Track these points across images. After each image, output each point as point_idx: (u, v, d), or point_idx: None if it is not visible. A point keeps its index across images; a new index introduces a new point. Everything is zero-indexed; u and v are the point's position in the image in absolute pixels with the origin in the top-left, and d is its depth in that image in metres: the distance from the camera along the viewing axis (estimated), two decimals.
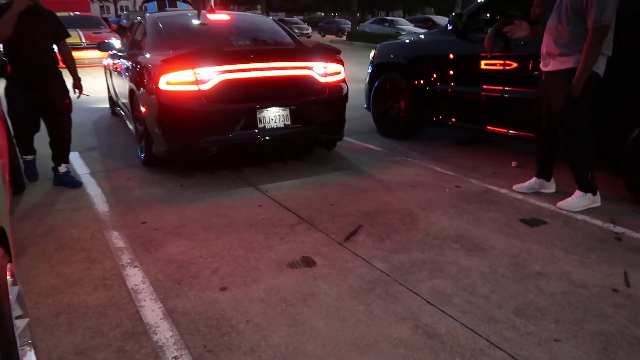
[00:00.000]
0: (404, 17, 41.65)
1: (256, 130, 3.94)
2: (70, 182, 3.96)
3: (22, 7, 3.42)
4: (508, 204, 3.58)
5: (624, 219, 3.26)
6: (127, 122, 5.36)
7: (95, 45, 12.10)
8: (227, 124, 3.86)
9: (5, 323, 1.11)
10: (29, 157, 4.06)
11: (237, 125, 3.89)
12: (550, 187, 3.77)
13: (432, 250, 2.86)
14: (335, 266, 2.68)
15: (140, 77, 4.19)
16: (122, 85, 5.25)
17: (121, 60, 5.34)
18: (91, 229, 3.18)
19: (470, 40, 4.53)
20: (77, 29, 12.37)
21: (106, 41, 6.37)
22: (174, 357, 1.94)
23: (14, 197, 3.61)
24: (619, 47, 3.20)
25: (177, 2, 18.66)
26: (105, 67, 6.82)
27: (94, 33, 12.43)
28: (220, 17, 5.06)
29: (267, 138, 3.98)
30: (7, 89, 3.73)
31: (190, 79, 3.73)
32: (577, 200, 3.42)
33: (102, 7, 55.98)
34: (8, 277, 1.30)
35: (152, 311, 2.26)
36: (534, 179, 3.80)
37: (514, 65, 4.17)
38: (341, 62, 4.40)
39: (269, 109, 3.95)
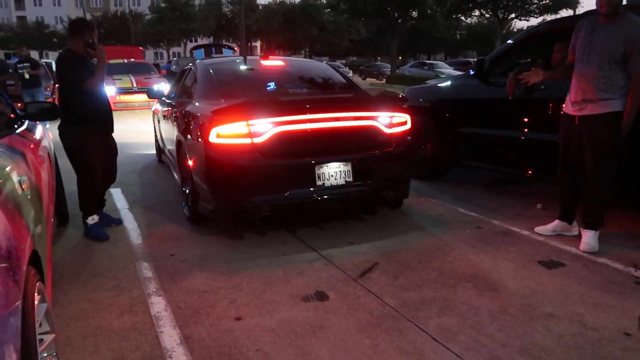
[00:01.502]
0: (445, 60, 42.12)
1: (314, 189, 3.51)
2: (100, 234, 3.87)
3: (107, 60, 3.79)
4: (528, 246, 3.58)
5: None
6: (174, 173, 5.08)
7: (144, 90, 13.02)
8: (282, 182, 3.47)
9: (29, 333, 1.28)
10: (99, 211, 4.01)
11: (293, 183, 3.50)
12: (573, 230, 3.74)
13: (444, 289, 2.90)
14: (347, 301, 2.77)
15: (189, 127, 3.96)
16: (169, 134, 5.05)
17: (169, 107, 5.15)
18: (124, 260, 3.42)
19: (492, 84, 4.64)
20: (130, 74, 13.31)
21: (154, 88, 6.00)
22: None
23: (57, 228, 3.92)
24: None
25: (223, 49, 19.73)
26: (154, 113, 6.60)
27: (144, 78, 13.30)
28: (275, 62, 4.85)
29: (326, 197, 3.55)
30: (73, 135, 3.69)
31: (243, 132, 3.39)
32: (594, 240, 3.41)
33: (156, 54, 59.64)
34: (36, 294, 1.49)
35: (170, 337, 2.42)
36: (557, 221, 3.79)
37: (534, 109, 4.24)
38: (408, 112, 3.98)
39: (328, 164, 3.52)
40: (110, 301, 2.81)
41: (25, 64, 9.69)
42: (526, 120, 4.33)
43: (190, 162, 3.84)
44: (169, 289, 2.95)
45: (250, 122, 3.40)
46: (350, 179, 3.61)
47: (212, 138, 3.43)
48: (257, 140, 3.40)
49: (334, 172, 3.56)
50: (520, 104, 4.30)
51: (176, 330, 2.48)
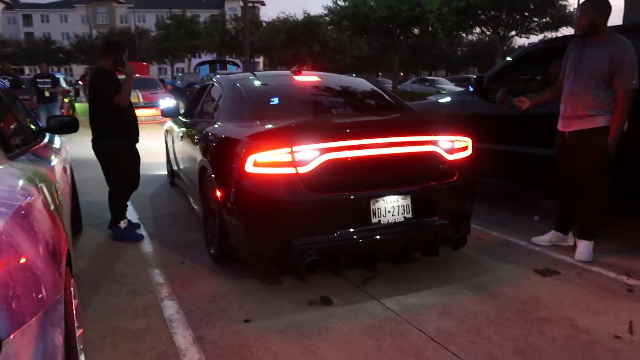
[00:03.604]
0: (446, 76, 42.52)
1: (369, 227, 2.98)
2: (135, 235, 4.21)
3: (133, 76, 4.07)
4: (525, 256, 3.72)
5: (639, 272, 3.34)
6: (191, 201, 4.67)
7: (151, 104, 13.28)
8: (332, 219, 2.94)
9: (69, 321, 1.43)
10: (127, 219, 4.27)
11: (345, 221, 2.96)
12: (569, 241, 3.88)
13: (444, 296, 3.04)
14: (351, 306, 2.91)
15: (217, 152, 3.44)
16: (188, 158, 4.51)
17: (189, 127, 4.61)
18: (137, 266, 3.57)
19: (491, 100, 4.81)
20: (137, 90, 13.57)
21: (168, 106, 5.52)
22: None
23: (72, 237, 4.07)
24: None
25: (228, 65, 20.04)
26: (166, 132, 6.14)
27: (151, 93, 13.58)
28: (310, 78, 4.29)
29: (383, 237, 3.02)
30: (107, 145, 4.01)
31: (286, 160, 2.87)
32: (589, 249, 3.56)
33: (159, 69, 60.33)
34: (72, 290, 1.64)
35: (183, 337, 2.56)
36: (553, 232, 3.93)
37: (531, 125, 4.41)
38: (469, 135, 3.43)
39: (385, 197, 3.00)
40: (126, 305, 2.96)
41: (46, 80, 9.94)
42: (525, 135, 4.50)
43: (218, 194, 3.27)
44: (180, 294, 3.09)
45: (295, 148, 2.86)
46: (410, 215, 3.07)
47: (249, 167, 2.91)
48: (302, 169, 2.87)
49: (391, 207, 3.02)
50: (518, 120, 4.47)
51: (189, 332, 2.62)
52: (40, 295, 1.18)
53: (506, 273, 3.39)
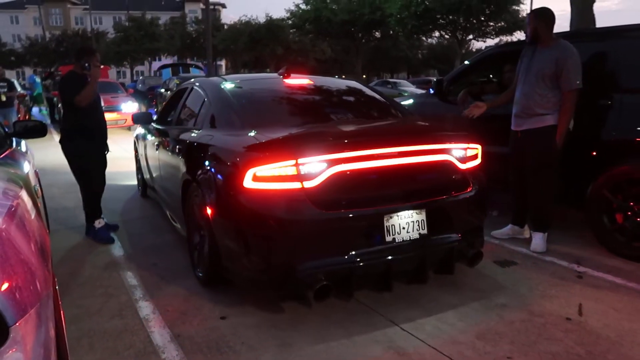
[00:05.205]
0: (408, 78, 43.42)
1: (383, 247, 2.71)
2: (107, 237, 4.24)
3: (99, 77, 4.16)
4: (485, 249, 3.92)
5: (588, 260, 3.61)
6: (169, 216, 4.27)
7: (113, 108, 13.01)
8: (343, 239, 2.65)
9: (58, 315, 1.49)
10: (103, 220, 4.33)
11: (357, 240, 2.67)
12: (525, 233, 4.13)
13: (411, 289, 3.18)
14: (324, 301, 3.01)
15: (206, 165, 3.06)
16: (167, 170, 4.10)
17: (165, 136, 4.25)
18: (109, 269, 3.58)
19: (450, 102, 5.05)
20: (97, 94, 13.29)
21: (140, 112, 5.19)
22: None
23: None
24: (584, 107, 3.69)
25: (190, 68, 19.84)
26: (136, 141, 5.75)
27: (112, 97, 13.30)
28: (301, 81, 3.90)
29: (399, 257, 2.75)
30: (74, 146, 4.10)
31: (290, 173, 2.57)
32: (543, 240, 3.81)
33: (118, 72, 58.94)
34: (57, 288, 1.70)
35: (160, 335, 2.62)
36: (510, 225, 4.18)
37: (488, 124, 4.65)
38: (479, 142, 3.21)
39: (399, 213, 2.73)
40: (100, 307, 2.98)
41: (1, 84, 9.61)
42: (482, 134, 4.72)
43: (208, 211, 2.92)
44: (155, 294, 3.13)
45: (301, 160, 2.56)
46: (425, 231, 2.82)
47: (247, 182, 2.59)
48: (308, 184, 2.58)
49: (405, 223, 2.76)
50: (476, 120, 4.70)
51: (166, 330, 2.67)
52: (35, 289, 1.24)
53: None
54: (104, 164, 4.41)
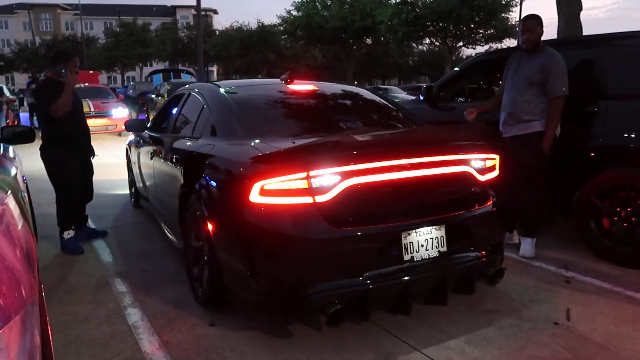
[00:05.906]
0: (399, 85, 43.67)
1: (401, 267, 2.51)
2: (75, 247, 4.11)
3: (74, 84, 3.99)
4: None
5: (576, 265, 3.64)
6: (165, 229, 4.07)
7: (103, 114, 12.96)
8: (357, 259, 2.44)
9: (44, 322, 1.48)
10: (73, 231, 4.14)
11: (373, 260, 2.47)
12: (514, 239, 4.16)
13: None
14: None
15: (207, 177, 2.85)
16: (162, 180, 3.92)
17: (160, 144, 4.07)
18: (96, 276, 3.55)
19: (440, 108, 5.09)
20: (87, 99, 13.19)
21: (133, 120, 4.92)
22: None
23: None
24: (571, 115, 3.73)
25: (182, 74, 19.80)
26: (128, 148, 5.56)
27: (102, 103, 13.24)
28: (306, 87, 3.68)
29: (418, 277, 2.55)
30: (54, 154, 3.99)
31: (301, 187, 2.38)
32: (532, 246, 3.84)
33: (109, 78, 58.68)
34: (43, 295, 1.68)
35: (149, 342, 2.60)
36: None
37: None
38: (497, 152, 3.02)
39: (417, 229, 2.55)
40: (88, 314, 2.95)
41: None
42: None
43: (209, 227, 2.73)
44: (144, 301, 3.11)
45: (312, 172, 2.37)
46: (445, 249, 2.63)
47: (254, 196, 2.40)
48: (320, 198, 2.39)
49: (424, 240, 2.57)
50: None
51: (155, 337, 2.65)
52: (20, 295, 1.23)
53: None
54: (89, 172, 4.31)
